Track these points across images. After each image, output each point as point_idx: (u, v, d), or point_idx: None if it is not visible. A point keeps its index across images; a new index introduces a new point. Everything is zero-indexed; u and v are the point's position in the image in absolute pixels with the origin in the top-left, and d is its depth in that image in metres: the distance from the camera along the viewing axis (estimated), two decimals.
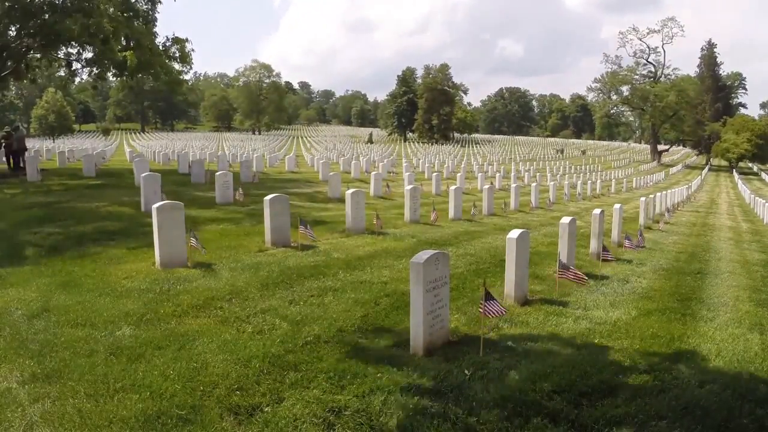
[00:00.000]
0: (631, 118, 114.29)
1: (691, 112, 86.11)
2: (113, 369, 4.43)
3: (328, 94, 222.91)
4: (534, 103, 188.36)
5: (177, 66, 28.88)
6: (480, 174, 34.22)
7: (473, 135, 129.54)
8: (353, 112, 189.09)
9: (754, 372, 5.06)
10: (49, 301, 6.17)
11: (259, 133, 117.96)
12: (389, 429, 3.68)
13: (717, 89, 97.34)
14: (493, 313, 5.09)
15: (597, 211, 11.09)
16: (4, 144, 22.23)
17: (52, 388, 4.11)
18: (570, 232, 8.64)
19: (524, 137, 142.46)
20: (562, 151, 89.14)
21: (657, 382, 4.61)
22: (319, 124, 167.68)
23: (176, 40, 28.04)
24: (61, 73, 29.02)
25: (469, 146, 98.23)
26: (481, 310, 5.10)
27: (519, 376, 4.52)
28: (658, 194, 24.38)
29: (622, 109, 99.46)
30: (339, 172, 23.19)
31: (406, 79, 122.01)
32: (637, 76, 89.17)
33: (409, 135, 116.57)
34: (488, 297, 5.07)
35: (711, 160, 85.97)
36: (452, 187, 16.58)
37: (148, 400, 3.91)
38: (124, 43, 25.21)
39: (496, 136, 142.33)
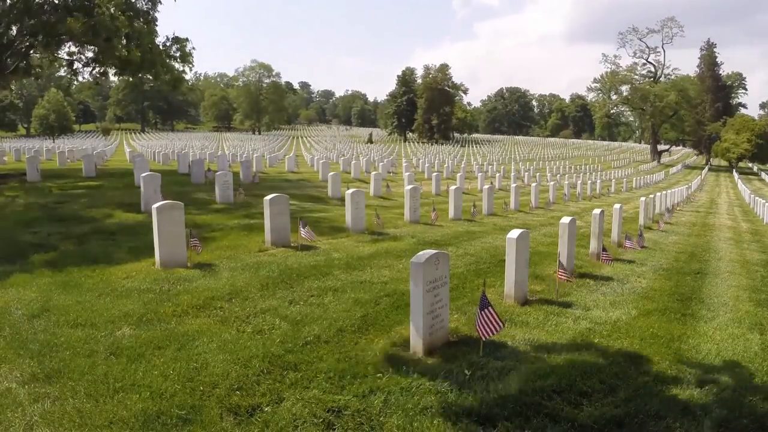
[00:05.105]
0: (631, 118, 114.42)
1: (691, 112, 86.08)
2: (113, 369, 4.43)
3: (327, 94, 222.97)
4: (534, 103, 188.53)
5: (177, 65, 28.86)
6: (480, 174, 34.23)
7: (473, 135, 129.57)
8: (353, 112, 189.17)
9: (754, 372, 5.07)
10: (49, 301, 6.17)
11: (259, 133, 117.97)
12: (389, 429, 3.69)
13: (717, 89, 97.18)
14: (489, 329, 4.82)
15: (597, 211, 11.08)
16: None
17: (52, 388, 4.11)
18: (570, 232, 8.64)
19: (524, 137, 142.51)
20: None
21: (657, 382, 4.62)
22: (319, 124, 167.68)
23: (176, 40, 28.01)
24: (62, 72, 28.96)
25: (469, 146, 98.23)
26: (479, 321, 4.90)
27: (519, 376, 4.52)
28: (658, 194, 24.38)
29: (622, 109, 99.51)
30: (339, 172, 23.18)
31: (406, 79, 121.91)
32: (637, 76, 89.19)
33: (409, 135, 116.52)
34: (486, 305, 4.85)
35: (711, 160, 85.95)
36: (452, 187, 16.58)
37: (148, 400, 3.91)
38: (124, 42, 25.19)
39: (496, 136, 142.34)
